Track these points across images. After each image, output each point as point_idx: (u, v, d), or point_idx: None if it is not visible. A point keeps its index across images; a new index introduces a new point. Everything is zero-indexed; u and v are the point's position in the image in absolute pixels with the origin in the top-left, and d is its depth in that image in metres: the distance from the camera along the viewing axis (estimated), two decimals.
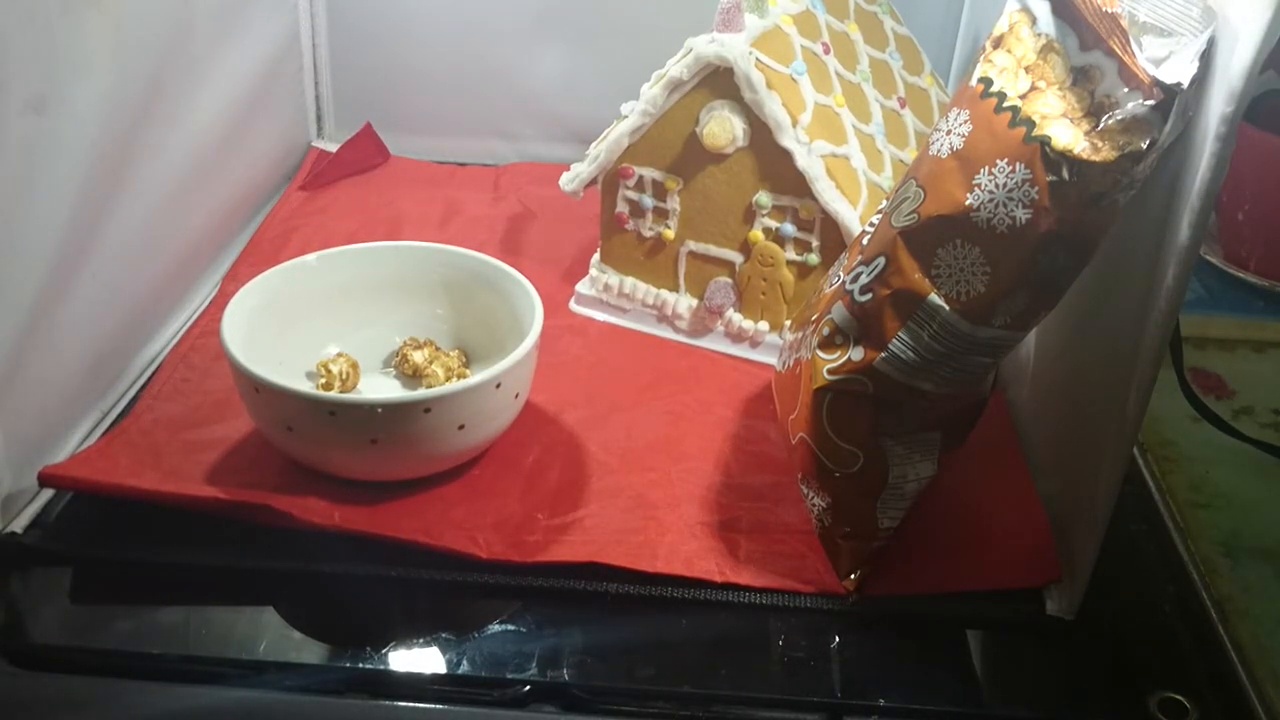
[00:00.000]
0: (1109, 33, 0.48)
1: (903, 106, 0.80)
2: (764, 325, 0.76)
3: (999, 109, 0.50)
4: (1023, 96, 0.50)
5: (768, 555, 0.59)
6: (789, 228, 0.73)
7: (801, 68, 0.71)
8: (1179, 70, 0.45)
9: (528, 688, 0.53)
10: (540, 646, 0.55)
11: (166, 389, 0.70)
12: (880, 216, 0.57)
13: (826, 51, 0.75)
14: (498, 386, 0.61)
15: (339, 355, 0.68)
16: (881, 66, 0.80)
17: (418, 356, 0.69)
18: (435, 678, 0.53)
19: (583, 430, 0.68)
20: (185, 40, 0.75)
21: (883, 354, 0.54)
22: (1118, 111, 0.47)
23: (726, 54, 0.69)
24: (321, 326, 0.70)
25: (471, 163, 1.01)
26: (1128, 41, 0.47)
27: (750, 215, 0.74)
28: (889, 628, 0.57)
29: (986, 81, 0.52)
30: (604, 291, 0.80)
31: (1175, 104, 0.46)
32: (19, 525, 0.59)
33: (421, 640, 0.55)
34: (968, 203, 0.50)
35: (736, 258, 0.76)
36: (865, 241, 0.58)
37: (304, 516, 0.59)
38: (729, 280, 0.76)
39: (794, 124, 0.70)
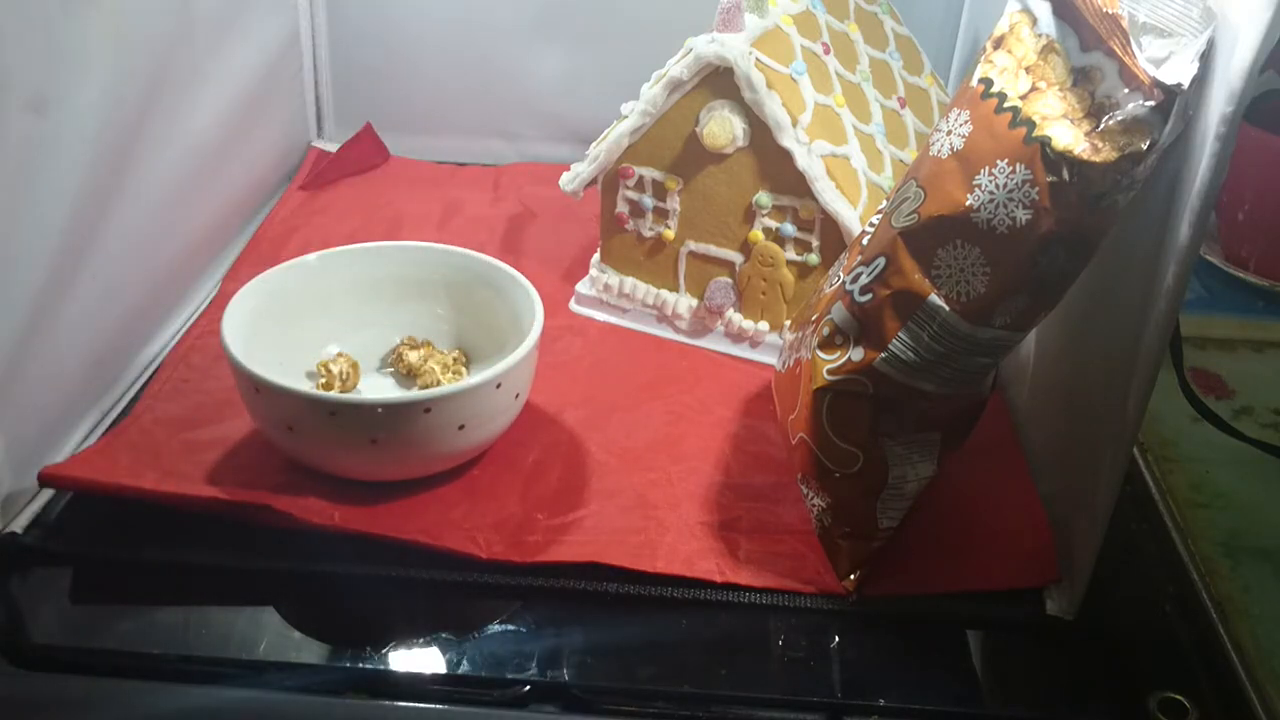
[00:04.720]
0: (1109, 33, 0.48)
1: (903, 106, 0.80)
2: (764, 325, 0.76)
3: (999, 109, 0.50)
4: (1023, 97, 0.50)
5: (768, 555, 0.59)
6: (789, 228, 0.73)
7: (801, 68, 0.71)
8: (1179, 71, 0.45)
9: (528, 688, 0.53)
10: (540, 646, 0.55)
11: (166, 389, 0.70)
12: (880, 217, 0.57)
13: (826, 51, 0.75)
14: (498, 386, 0.61)
15: (339, 355, 0.68)
16: (881, 66, 0.80)
17: (413, 356, 0.69)
18: (435, 678, 0.53)
19: (583, 430, 0.68)
20: (185, 40, 0.75)
21: (883, 354, 0.54)
22: (1118, 112, 0.47)
23: (726, 54, 0.69)
24: (321, 326, 0.70)
25: (471, 163, 1.01)
26: (1128, 42, 0.47)
27: (750, 215, 0.74)
28: (889, 628, 0.57)
29: (987, 82, 0.52)
30: (604, 291, 0.80)
31: (1175, 104, 0.46)
32: (19, 525, 0.59)
33: (421, 640, 0.55)
34: (968, 203, 0.50)
35: (736, 258, 0.76)
36: (865, 242, 0.58)
37: (304, 516, 0.59)
38: (729, 280, 0.76)
39: (794, 124, 0.70)
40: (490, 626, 0.56)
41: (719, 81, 0.71)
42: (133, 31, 0.67)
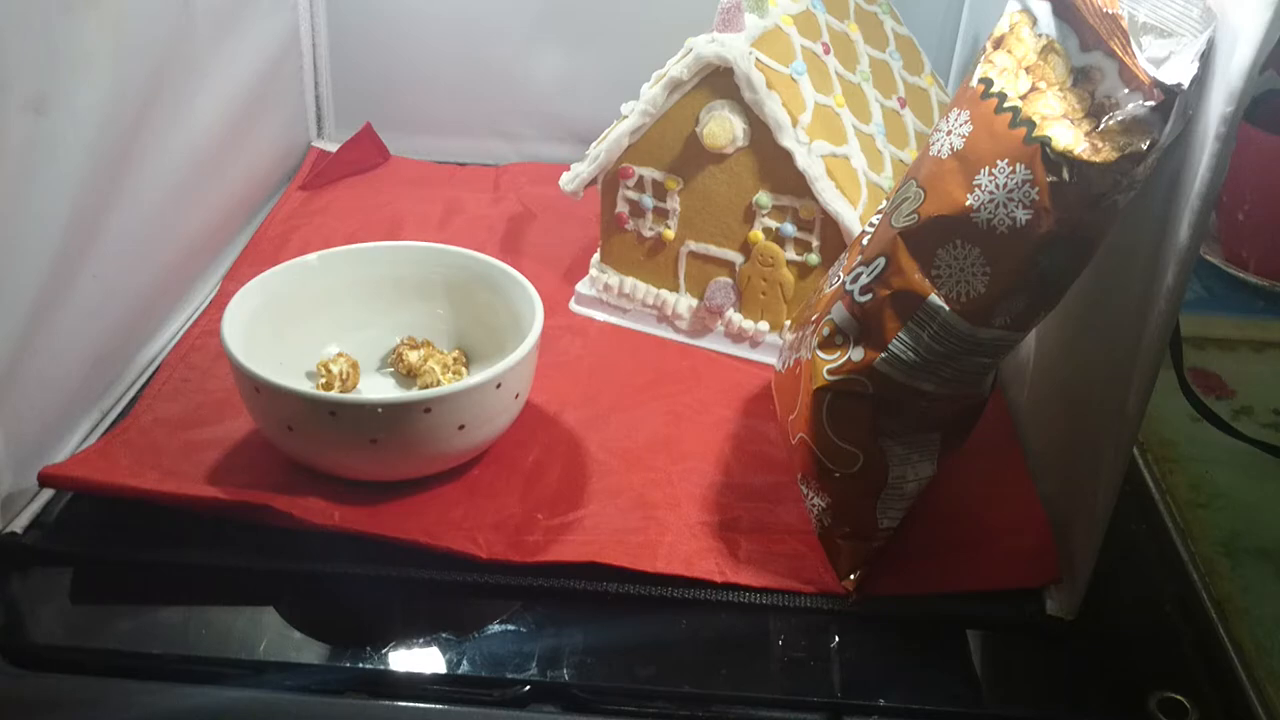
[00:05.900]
0: (1109, 33, 0.48)
1: (903, 106, 0.80)
2: (764, 325, 0.76)
3: (999, 109, 0.50)
4: (1023, 97, 0.50)
5: (768, 555, 0.59)
6: (789, 228, 0.73)
7: (801, 68, 0.71)
8: (1179, 71, 0.45)
9: (528, 688, 0.53)
10: (540, 646, 0.55)
11: (166, 389, 0.70)
12: (880, 217, 0.57)
13: (826, 51, 0.75)
14: (498, 386, 0.61)
15: (339, 355, 0.68)
16: (881, 66, 0.80)
17: (413, 356, 0.69)
18: (435, 678, 0.53)
19: (583, 430, 0.68)
20: (185, 40, 0.75)
21: (883, 354, 0.54)
22: (1118, 112, 0.47)
23: (726, 54, 0.69)
24: (321, 326, 0.70)
25: (471, 163, 1.01)
26: (1128, 42, 0.47)
27: (750, 215, 0.74)
28: (889, 628, 0.57)
29: (987, 82, 0.52)
30: (604, 291, 0.80)
31: (1175, 104, 0.46)
32: (19, 525, 0.59)
33: (421, 640, 0.55)
34: (968, 203, 0.50)
35: (736, 258, 0.76)
36: (865, 242, 0.58)
37: (304, 516, 0.59)
38: (729, 280, 0.76)
39: (794, 124, 0.70)
40: (490, 626, 0.56)
41: (719, 81, 0.71)
42: (133, 31, 0.67)
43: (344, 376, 0.67)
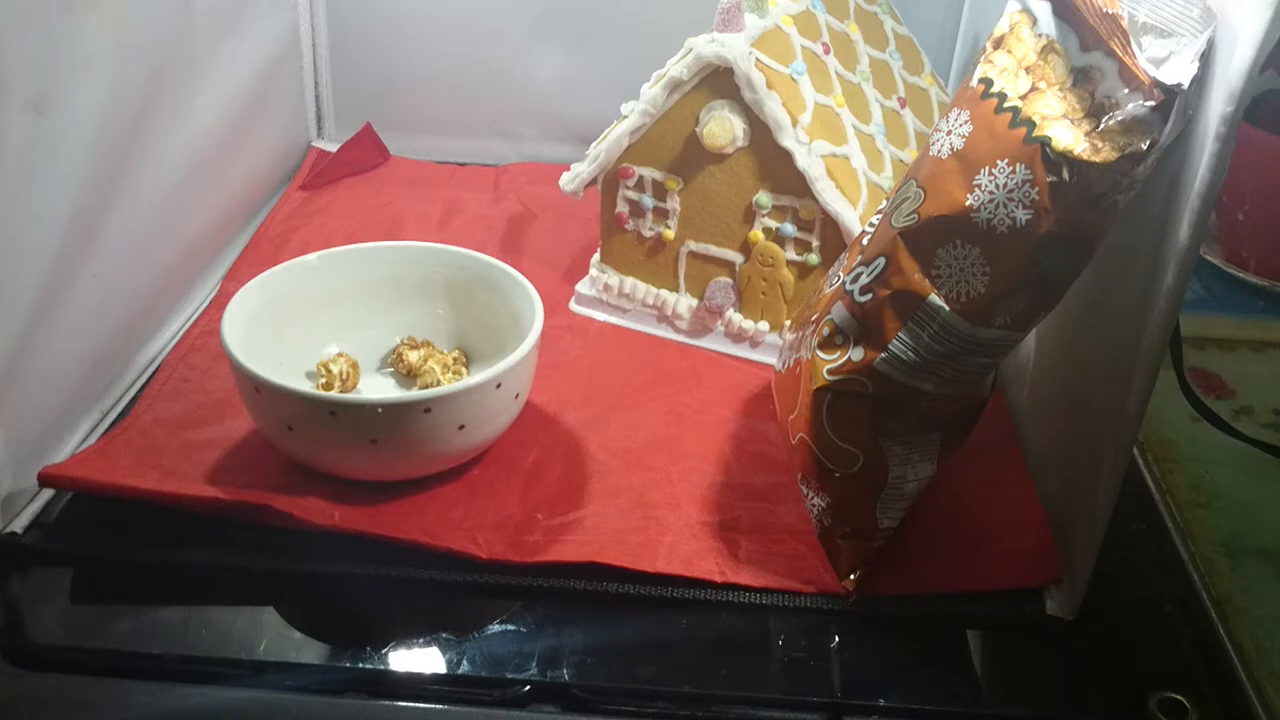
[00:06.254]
0: (1109, 33, 0.48)
1: (903, 106, 0.80)
2: (764, 325, 0.76)
3: (999, 109, 0.50)
4: (1023, 97, 0.50)
5: (768, 555, 0.59)
6: (789, 228, 0.73)
7: (801, 68, 0.71)
8: (1179, 71, 0.45)
9: (528, 688, 0.53)
10: (540, 646, 0.55)
11: (166, 389, 0.70)
12: (880, 217, 0.57)
13: (826, 51, 0.75)
14: (498, 386, 0.61)
15: (339, 355, 0.68)
16: (881, 66, 0.80)
17: (413, 356, 0.69)
18: (435, 678, 0.54)
19: (583, 430, 0.68)
20: (185, 40, 0.75)
21: (883, 354, 0.54)
22: (1118, 112, 0.47)
23: (726, 54, 0.69)
24: (321, 326, 0.70)
25: (471, 163, 1.01)
26: (1128, 42, 0.47)
27: (750, 215, 0.74)
28: (889, 628, 0.57)
29: (987, 82, 0.52)
30: (604, 291, 0.80)
31: (1175, 104, 0.46)
32: (19, 525, 0.59)
33: (421, 640, 0.55)
34: (968, 203, 0.50)
35: (736, 258, 0.76)
36: (865, 242, 0.58)
37: (304, 516, 0.59)
38: (729, 280, 0.76)
39: (794, 124, 0.70)
40: (490, 626, 0.56)
41: (719, 81, 0.71)
42: (133, 31, 0.67)
43: (344, 376, 0.67)
